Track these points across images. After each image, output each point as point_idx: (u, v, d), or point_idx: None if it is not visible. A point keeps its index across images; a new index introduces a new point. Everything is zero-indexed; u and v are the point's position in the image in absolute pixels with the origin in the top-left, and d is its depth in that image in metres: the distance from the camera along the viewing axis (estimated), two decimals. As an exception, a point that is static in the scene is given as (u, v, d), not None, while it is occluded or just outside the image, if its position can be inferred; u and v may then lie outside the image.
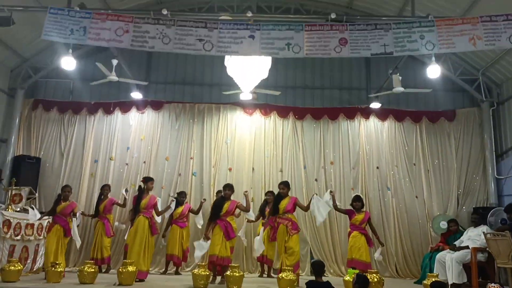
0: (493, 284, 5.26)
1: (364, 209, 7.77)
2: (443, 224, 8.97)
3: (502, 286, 5.34)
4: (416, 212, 9.63)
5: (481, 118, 9.98)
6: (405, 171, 9.89)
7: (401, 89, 8.67)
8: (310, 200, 7.41)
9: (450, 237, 8.46)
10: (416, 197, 9.73)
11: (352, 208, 7.68)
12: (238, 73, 7.24)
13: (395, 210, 9.60)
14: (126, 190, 8.65)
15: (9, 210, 7.60)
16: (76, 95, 10.66)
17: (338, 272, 8.96)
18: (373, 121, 10.29)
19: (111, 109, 10.40)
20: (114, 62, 8.82)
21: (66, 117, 10.46)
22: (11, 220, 7.14)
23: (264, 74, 7.39)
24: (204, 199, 8.96)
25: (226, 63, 7.45)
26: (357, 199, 7.70)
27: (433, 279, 6.09)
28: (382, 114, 10.23)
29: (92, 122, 10.40)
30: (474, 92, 10.00)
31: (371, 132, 10.23)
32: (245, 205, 7.52)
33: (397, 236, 9.46)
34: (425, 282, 6.53)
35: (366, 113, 10.28)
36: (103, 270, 8.31)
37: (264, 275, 8.44)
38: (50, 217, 7.63)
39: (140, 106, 10.43)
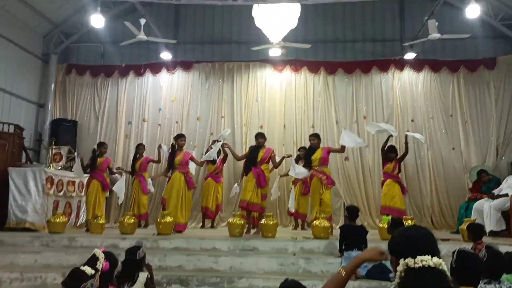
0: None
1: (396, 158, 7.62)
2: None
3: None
4: (453, 164, 9.41)
5: (524, 65, 9.48)
6: (441, 123, 9.62)
7: (437, 35, 8.28)
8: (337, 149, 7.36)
9: (482, 187, 8.27)
10: (453, 148, 9.48)
11: (386, 160, 7.57)
12: (266, 23, 7.07)
13: (430, 163, 9.40)
14: (160, 147, 8.75)
15: (51, 168, 7.90)
16: (107, 59, 10.82)
17: (372, 225, 8.92)
18: (407, 72, 9.97)
19: (142, 71, 10.54)
20: (142, 21, 8.83)
21: (99, 81, 10.69)
22: (54, 177, 7.46)
23: (293, 23, 7.20)
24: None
25: (253, 13, 7.29)
26: (390, 150, 7.57)
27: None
28: (417, 65, 9.88)
29: (124, 84, 10.59)
30: (516, 37, 9.47)
31: (406, 84, 9.93)
32: (277, 161, 7.50)
33: (432, 188, 9.30)
34: (461, 226, 6.42)
35: (400, 64, 9.95)
36: (142, 225, 8.61)
37: (297, 229, 8.53)
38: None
39: (170, 66, 10.49)
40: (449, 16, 9.58)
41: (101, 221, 6.97)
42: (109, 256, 3.35)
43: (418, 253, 1.55)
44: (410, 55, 9.64)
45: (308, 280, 4.89)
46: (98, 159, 7.75)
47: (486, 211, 7.19)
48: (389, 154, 7.53)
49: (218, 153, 7.98)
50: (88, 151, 9.99)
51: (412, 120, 9.68)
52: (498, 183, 8.18)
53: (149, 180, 8.67)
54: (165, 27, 10.51)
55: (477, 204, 7.53)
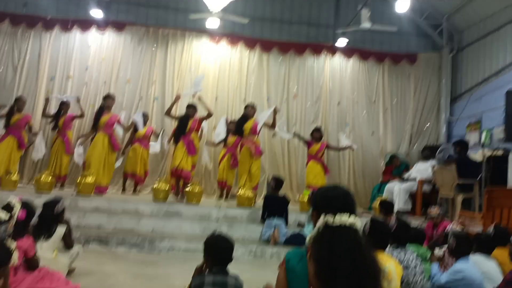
0: (433, 207, 5.71)
1: (322, 140, 8.06)
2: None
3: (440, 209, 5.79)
4: (371, 148, 10.08)
5: (441, 63, 10.33)
6: (364, 108, 10.22)
7: (368, 25, 8.74)
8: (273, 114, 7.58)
9: (394, 170, 9.08)
10: (373, 133, 10.14)
11: (311, 139, 7.97)
12: (207, -11, 6.98)
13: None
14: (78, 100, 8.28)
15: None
16: (30, 9, 9.95)
17: (293, 200, 9.30)
18: (338, 58, 10.41)
19: (69, 26, 9.85)
20: (74, -29, 8.23)
21: (19, 31, 9.82)
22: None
23: (234, -6, 7.19)
24: (163, 129, 8.85)
25: (195, -22, 7.14)
26: (316, 130, 7.99)
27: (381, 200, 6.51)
28: (347, 52, 10.35)
29: (48, 38, 9.85)
30: (436, 37, 10.28)
31: (335, 69, 10.37)
32: (206, 114, 7.48)
33: (350, 169, 9.91)
34: (374, 204, 6.96)
35: (332, 50, 10.36)
36: (58, 187, 8.17)
37: (222, 199, 8.65)
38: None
39: (101, 25, 9.93)
40: (381, 9, 10.10)
41: (14, 177, 6.55)
42: (26, 205, 3.22)
43: (338, 211, 1.68)
44: (342, 42, 10.05)
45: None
46: (16, 115, 7.21)
47: (396, 192, 7.84)
48: (314, 133, 7.94)
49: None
50: (2, 104, 9.28)
51: (338, 103, 10.17)
52: (407, 167, 8.97)
53: (79, 150, 8.14)
54: (99, -19, 9.90)
55: (389, 185, 8.19)
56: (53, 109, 8.81)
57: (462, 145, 7.63)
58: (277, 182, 6.22)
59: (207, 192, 9.12)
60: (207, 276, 2.62)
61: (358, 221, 1.68)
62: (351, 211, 1.71)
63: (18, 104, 7.45)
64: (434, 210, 5.60)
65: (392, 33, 9.83)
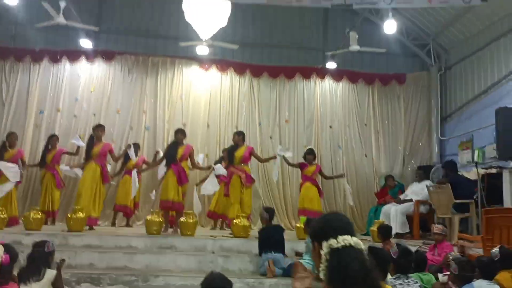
0: (437, 225, 5.63)
1: (315, 162, 8.00)
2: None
3: (445, 226, 5.72)
4: (364, 170, 10.04)
5: (429, 82, 10.42)
6: (356, 131, 10.22)
7: (357, 47, 8.82)
8: (270, 158, 7.50)
9: (389, 192, 8.99)
10: (366, 155, 10.12)
11: (304, 161, 7.92)
12: (196, 19, 7.01)
13: (345, 168, 9.92)
14: (78, 138, 8.18)
15: None
16: (19, 41, 9.92)
17: (289, 226, 9.19)
18: (328, 81, 10.46)
19: (58, 57, 9.82)
20: (62, 3, 8.22)
21: (8, 65, 9.77)
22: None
23: (223, 22, 7.21)
24: (158, 151, 8.71)
25: (183, 7, 7.18)
26: (310, 152, 7.97)
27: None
28: (337, 75, 10.41)
29: (37, 70, 9.80)
30: (424, 56, 10.39)
31: (326, 92, 10.41)
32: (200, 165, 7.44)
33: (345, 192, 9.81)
34: (372, 228, 6.86)
35: (322, 73, 10.41)
36: (49, 223, 7.97)
37: (216, 229, 8.50)
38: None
39: (90, 55, 9.90)
40: (369, 31, 10.19)
41: (2, 215, 6.38)
42: (8, 248, 3.11)
43: (338, 234, 1.61)
44: (331, 65, 10.12)
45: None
46: (10, 150, 7.14)
47: (393, 214, 7.75)
48: (308, 156, 7.89)
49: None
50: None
51: (330, 127, 10.18)
52: (402, 188, 8.91)
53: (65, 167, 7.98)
54: (87, 12, 9.86)
55: (385, 208, 8.10)
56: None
57: (450, 166, 7.63)
58: (269, 213, 6.12)
59: (201, 223, 8.97)
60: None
61: (361, 244, 1.61)
62: (352, 233, 1.64)
63: (11, 139, 7.39)
64: (440, 227, 5.53)
65: (381, 54, 9.93)
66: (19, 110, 9.52)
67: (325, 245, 1.61)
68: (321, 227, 1.72)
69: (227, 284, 2.62)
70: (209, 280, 2.65)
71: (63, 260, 3.95)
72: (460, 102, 9.70)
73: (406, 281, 3.52)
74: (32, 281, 3.60)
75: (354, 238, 1.59)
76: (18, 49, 9.78)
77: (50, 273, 3.75)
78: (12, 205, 7.22)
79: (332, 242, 1.59)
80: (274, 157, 7.70)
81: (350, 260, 1.53)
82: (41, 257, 3.75)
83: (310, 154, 7.92)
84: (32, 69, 9.79)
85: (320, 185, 8.42)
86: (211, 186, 7.27)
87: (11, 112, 9.46)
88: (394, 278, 3.56)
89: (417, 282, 3.63)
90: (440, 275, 4.40)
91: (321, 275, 1.61)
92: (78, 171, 7.59)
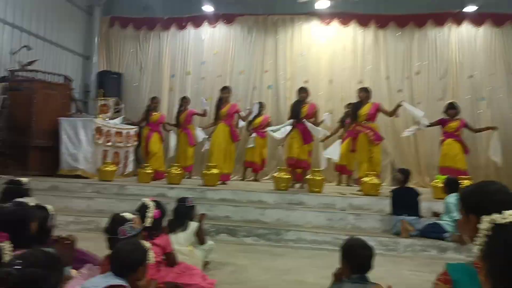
0: None
1: (459, 117, 7.20)
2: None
3: None
4: (512, 122, 8.81)
5: None
6: (503, 80, 8.98)
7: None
8: (397, 106, 6.91)
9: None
10: (515, 107, 8.87)
11: (443, 117, 7.18)
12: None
13: (489, 123, 8.80)
14: (206, 99, 8.62)
15: (99, 119, 8.01)
16: (149, 11, 10.64)
17: (421, 183, 8.60)
18: (466, 27, 9.28)
19: (184, 24, 10.38)
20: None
21: (141, 33, 10.66)
22: (102, 128, 7.55)
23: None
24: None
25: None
26: (451, 107, 7.17)
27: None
28: (477, 19, 9.17)
29: (166, 37, 10.55)
30: None
31: (463, 39, 9.33)
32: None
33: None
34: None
35: (459, 18, 9.25)
36: (186, 177, 8.65)
37: (342, 184, 8.36)
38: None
39: (212, 19, 10.26)
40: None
41: (148, 170, 7.07)
42: (158, 204, 3.39)
43: (501, 208, 1.35)
44: (470, 8, 8.91)
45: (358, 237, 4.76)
46: (154, 114, 8.03)
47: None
48: (449, 111, 7.14)
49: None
50: (133, 103, 10.10)
51: (471, 76, 9.11)
52: None
53: (198, 131, 8.50)
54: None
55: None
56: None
57: None
58: (405, 175, 5.69)
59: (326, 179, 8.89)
60: (346, 283, 2.45)
61: None
62: None
63: (154, 104, 8.18)
64: None
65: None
66: (155, 75, 10.40)
67: (486, 219, 1.36)
68: (481, 199, 1.57)
69: (369, 250, 2.51)
70: (350, 244, 2.57)
71: (204, 214, 4.24)
72: None
73: None
74: (178, 231, 3.93)
75: None
76: (149, 19, 10.54)
77: (193, 225, 4.06)
78: (159, 161, 8.01)
79: (496, 217, 1.33)
80: (399, 106, 6.95)
81: None
82: (184, 211, 4.06)
83: (451, 109, 7.10)
84: (162, 36, 10.55)
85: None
86: (334, 152, 7.01)
87: (148, 78, 10.38)
88: None
89: None
90: None
91: (476, 251, 1.37)
92: (201, 133, 8.20)
